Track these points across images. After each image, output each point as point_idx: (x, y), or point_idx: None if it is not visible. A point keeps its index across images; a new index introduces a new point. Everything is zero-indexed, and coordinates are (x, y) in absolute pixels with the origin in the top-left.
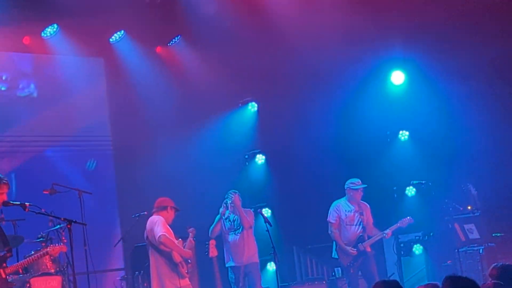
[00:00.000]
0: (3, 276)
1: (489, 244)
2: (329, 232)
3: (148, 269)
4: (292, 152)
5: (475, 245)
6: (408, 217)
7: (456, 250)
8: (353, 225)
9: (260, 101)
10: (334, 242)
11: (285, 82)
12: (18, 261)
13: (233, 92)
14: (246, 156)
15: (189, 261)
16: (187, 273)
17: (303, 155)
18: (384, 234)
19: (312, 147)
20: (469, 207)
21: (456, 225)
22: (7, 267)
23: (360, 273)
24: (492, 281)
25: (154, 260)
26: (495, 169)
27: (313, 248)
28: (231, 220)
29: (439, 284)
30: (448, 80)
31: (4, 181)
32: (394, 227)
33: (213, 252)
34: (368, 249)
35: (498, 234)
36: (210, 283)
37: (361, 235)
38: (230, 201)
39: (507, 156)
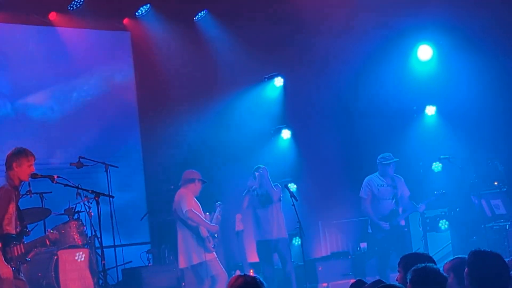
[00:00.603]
0: (23, 250)
1: None
2: (362, 207)
3: (174, 242)
4: (318, 127)
5: (502, 220)
6: (443, 191)
7: (482, 226)
8: (386, 199)
9: (286, 76)
10: (368, 217)
11: (311, 56)
12: (45, 234)
13: (259, 66)
14: (272, 131)
15: (216, 235)
16: (213, 247)
17: (329, 130)
18: (418, 208)
19: (338, 122)
20: (495, 183)
21: (483, 201)
22: (25, 243)
23: (392, 248)
24: None
25: (181, 234)
26: None
27: (338, 223)
28: (260, 195)
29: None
30: (477, 54)
31: (31, 153)
32: (428, 201)
33: (239, 226)
34: (402, 223)
35: None
36: (236, 257)
37: (394, 209)
38: (258, 176)
39: None
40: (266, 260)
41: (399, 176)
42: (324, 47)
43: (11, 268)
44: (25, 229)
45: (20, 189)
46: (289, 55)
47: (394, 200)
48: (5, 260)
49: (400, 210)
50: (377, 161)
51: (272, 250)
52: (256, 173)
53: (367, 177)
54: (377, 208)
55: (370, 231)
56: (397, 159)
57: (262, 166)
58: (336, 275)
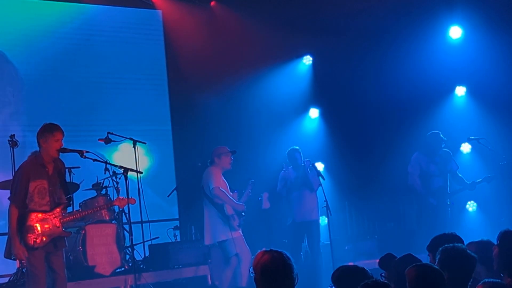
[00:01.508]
0: (58, 224)
1: None
2: (409, 182)
3: (201, 219)
4: (347, 106)
5: None
6: (492, 174)
7: (510, 207)
8: (434, 175)
9: (315, 55)
10: (414, 193)
11: (340, 35)
12: (73, 209)
13: (288, 45)
14: (300, 110)
15: (243, 214)
16: (239, 226)
17: (358, 109)
18: (468, 186)
19: (366, 101)
20: None
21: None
22: (63, 216)
23: (435, 225)
24: None
25: (207, 211)
26: None
27: (365, 203)
28: (296, 176)
29: (492, 242)
30: (508, 33)
31: (57, 128)
32: (480, 181)
33: (266, 204)
34: (445, 200)
35: None
36: (263, 236)
37: (442, 186)
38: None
39: None
40: (297, 241)
41: (447, 150)
42: (353, 26)
43: (24, 249)
44: (68, 203)
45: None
46: (318, 34)
47: (442, 177)
48: (27, 238)
49: (447, 187)
50: (427, 138)
51: (304, 231)
52: (293, 156)
53: (415, 152)
54: (424, 184)
55: (416, 207)
56: (446, 139)
57: (296, 147)
58: (362, 255)
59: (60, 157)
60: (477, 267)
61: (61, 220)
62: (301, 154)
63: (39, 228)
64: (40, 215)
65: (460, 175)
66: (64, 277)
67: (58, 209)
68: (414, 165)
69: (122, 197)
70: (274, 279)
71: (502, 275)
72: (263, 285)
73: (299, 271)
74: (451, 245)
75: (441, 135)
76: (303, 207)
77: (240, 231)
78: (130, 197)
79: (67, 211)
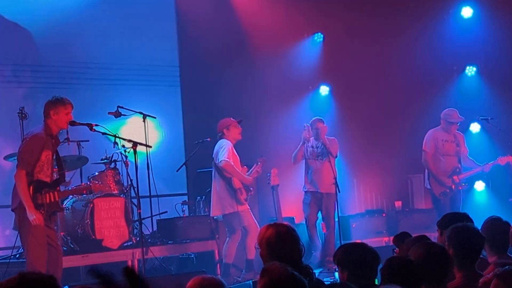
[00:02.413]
0: (56, 198)
1: None
2: (423, 160)
3: (209, 194)
4: (357, 84)
5: None
6: (509, 155)
7: None
8: (449, 155)
9: (326, 32)
10: (426, 172)
11: (351, 13)
12: (82, 182)
13: (299, 23)
14: (310, 87)
15: (251, 188)
16: (246, 200)
17: (368, 87)
18: (483, 168)
19: (376, 79)
20: None
21: None
22: (60, 191)
23: (446, 205)
24: None
25: (215, 183)
26: None
27: (373, 181)
28: (315, 147)
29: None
30: None
31: (68, 101)
32: (492, 163)
33: (274, 181)
34: (457, 180)
35: None
36: (270, 211)
37: (457, 167)
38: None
39: None
40: (310, 209)
41: (460, 133)
42: (365, 4)
43: (41, 215)
44: (62, 178)
45: (57, 136)
46: (329, 11)
47: (457, 158)
48: (35, 207)
49: (461, 168)
50: (442, 116)
51: (320, 201)
52: (315, 126)
53: (430, 130)
54: (439, 164)
55: (428, 186)
56: (463, 118)
57: (320, 118)
58: (370, 232)
59: (69, 129)
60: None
61: (59, 195)
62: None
63: (43, 199)
64: (45, 185)
65: (470, 158)
66: (60, 250)
67: (56, 183)
68: (429, 143)
69: (95, 182)
70: (280, 253)
71: None
72: (270, 259)
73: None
74: (461, 224)
75: (456, 114)
76: (321, 178)
77: (248, 205)
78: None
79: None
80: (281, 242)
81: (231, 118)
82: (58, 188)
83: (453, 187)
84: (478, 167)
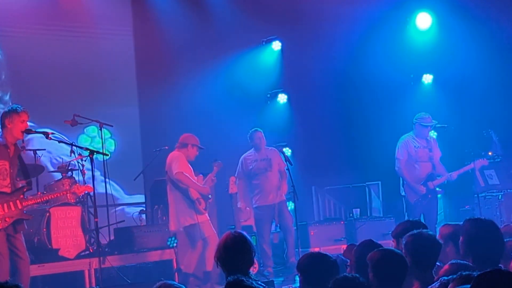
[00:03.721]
0: (19, 207)
1: (508, 190)
2: (396, 168)
3: (167, 203)
4: (314, 92)
5: (495, 191)
6: (484, 159)
7: (475, 195)
8: (423, 161)
9: (284, 40)
10: (401, 179)
11: (309, 21)
12: (38, 191)
13: (258, 30)
14: (268, 95)
15: (210, 196)
16: (205, 209)
17: (325, 95)
18: (450, 176)
19: (334, 88)
20: (490, 153)
21: (476, 171)
22: (24, 198)
23: (422, 212)
24: None
25: (172, 196)
26: None
27: (332, 188)
28: (259, 160)
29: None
30: (475, 22)
31: (23, 109)
32: (463, 169)
33: (232, 189)
34: (431, 186)
35: None
36: (229, 220)
37: (431, 173)
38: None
39: None
40: (267, 224)
41: (434, 138)
42: (322, 13)
43: None
44: (28, 185)
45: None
46: (287, 19)
47: (431, 163)
48: None
49: (435, 174)
50: (414, 120)
51: (275, 213)
52: (253, 136)
53: (402, 137)
54: (413, 171)
55: (403, 193)
56: (436, 122)
57: (259, 129)
58: (328, 240)
59: (25, 139)
60: (449, 249)
61: (22, 203)
62: (263, 135)
63: (1, 210)
64: (1, 196)
65: (441, 164)
66: (27, 260)
67: (19, 192)
68: (402, 150)
69: (79, 185)
70: (234, 256)
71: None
72: (224, 261)
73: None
74: (417, 230)
75: (430, 119)
76: (268, 190)
77: (207, 215)
78: (86, 185)
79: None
80: (235, 246)
81: (197, 139)
82: (21, 196)
83: (428, 194)
84: (446, 175)
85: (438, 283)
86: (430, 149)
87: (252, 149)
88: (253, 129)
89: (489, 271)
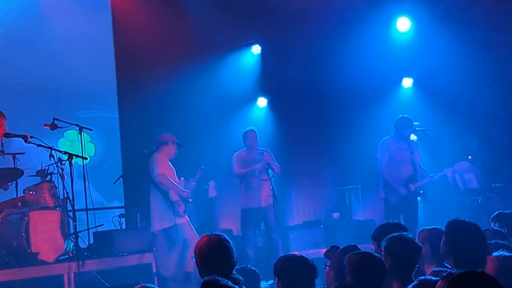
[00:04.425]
0: None
1: (488, 194)
2: (378, 169)
3: (147, 207)
4: (294, 96)
5: (474, 194)
6: (465, 161)
7: (455, 199)
8: (404, 163)
9: (264, 44)
10: (381, 180)
11: (288, 25)
12: (17, 195)
13: (238, 34)
14: (248, 99)
15: (190, 200)
16: (184, 212)
17: (305, 98)
18: (432, 178)
19: (314, 91)
20: (469, 157)
21: (456, 174)
22: None
23: (402, 214)
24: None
25: (153, 197)
26: (498, 120)
27: (311, 192)
28: (250, 160)
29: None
30: (455, 26)
31: (2, 113)
32: (445, 172)
33: (212, 193)
34: (412, 188)
35: (498, 185)
36: (208, 223)
37: (412, 175)
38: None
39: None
40: (254, 227)
41: (414, 141)
42: (301, 17)
43: None
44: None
45: None
46: (267, 23)
47: (412, 165)
48: None
49: (417, 176)
50: (396, 123)
51: (261, 217)
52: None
53: (384, 139)
54: (394, 172)
55: (383, 195)
56: (418, 123)
57: (253, 129)
58: (308, 244)
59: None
60: (425, 251)
61: None
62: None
63: None
64: None
65: (422, 167)
66: None
67: None
68: (383, 151)
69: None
70: (212, 261)
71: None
72: (203, 267)
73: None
74: (397, 233)
75: (412, 121)
76: (257, 192)
77: (187, 217)
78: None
79: None
80: (213, 250)
81: (174, 137)
82: None
83: (409, 196)
84: (427, 178)
85: (417, 281)
86: (412, 152)
87: (245, 148)
88: (247, 128)
89: (464, 272)
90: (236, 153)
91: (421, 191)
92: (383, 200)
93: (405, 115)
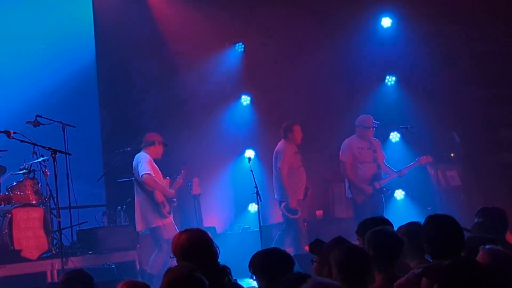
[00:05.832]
0: None
1: (470, 191)
2: (342, 170)
3: (129, 204)
4: (278, 94)
5: (456, 192)
6: (428, 156)
7: (437, 196)
8: (367, 162)
9: (247, 42)
10: (347, 181)
11: (272, 23)
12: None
13: (221, 32)
14: (232, 97)
15: (174, 200)
16: (169, 213)
17: (289, 96)
18: (399, 173)
19: (297, 89)
20: (452, 154)
21: (439, 172)
22: None
23: (370, 212)
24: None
25: (138, 198)
26: (480, 117)
27: None
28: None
29: (421, 224)
30: (439, 25)
31: None
32: (410, 166)
33: (196, 190)
34: (377, 186)
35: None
36: (192, 221)
37: (376, 173)
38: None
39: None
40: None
41: (377, 139)
42: (284, 14)
43: None
44: None
45: None
46: (250, 21)
47: (375, 164)
48: None
49: (381, 174)
50: (356, 123)
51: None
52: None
53: (346, 140)
54: (358, 172)
55: (350, 195)
56: (379, 122)
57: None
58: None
59: None
60: (406, 248)
61: None
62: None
63: None
64: None
65: (387, 164)
66: None
67: None
68: (346, 152)
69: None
70: (194, 257)
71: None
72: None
73: None
74: (380, 227)
75: (372, 121)
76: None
77: (171, 218)
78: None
79: None
80: (194, 246)
81: (159, 136)
82: None
83: (374, 194)
84: (395, 173)
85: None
86: (374, 150)
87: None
88: (291, 121)
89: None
90: (281, 146)
91: (386, 189)
92: (350, 200)
93: (364, 115)
